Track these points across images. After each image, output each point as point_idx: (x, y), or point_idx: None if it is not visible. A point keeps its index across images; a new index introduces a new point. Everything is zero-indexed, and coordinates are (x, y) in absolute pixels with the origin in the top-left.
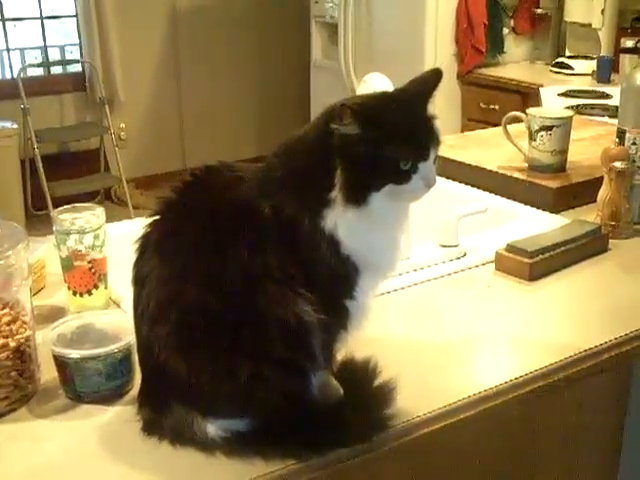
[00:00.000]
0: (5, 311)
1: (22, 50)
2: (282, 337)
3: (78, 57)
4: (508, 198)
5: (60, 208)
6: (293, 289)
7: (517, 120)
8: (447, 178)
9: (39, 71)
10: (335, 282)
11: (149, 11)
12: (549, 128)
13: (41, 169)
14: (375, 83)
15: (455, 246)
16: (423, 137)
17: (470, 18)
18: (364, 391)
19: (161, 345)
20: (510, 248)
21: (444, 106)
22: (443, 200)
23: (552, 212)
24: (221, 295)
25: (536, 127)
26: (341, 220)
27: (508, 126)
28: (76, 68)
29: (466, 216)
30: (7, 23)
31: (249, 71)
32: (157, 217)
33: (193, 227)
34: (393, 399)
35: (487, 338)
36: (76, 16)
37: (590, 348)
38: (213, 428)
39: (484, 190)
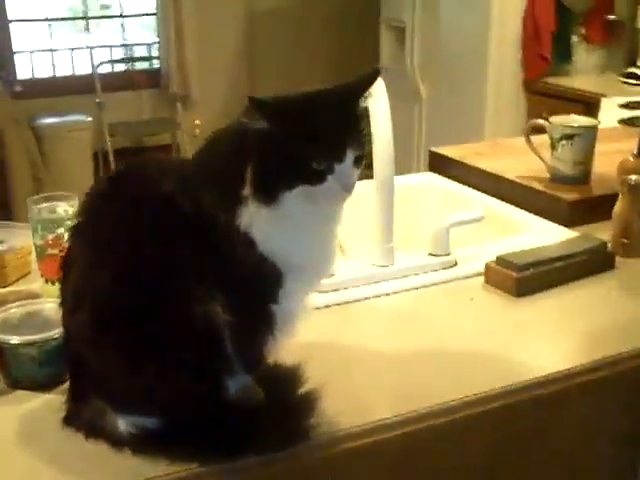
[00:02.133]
0: None
1: (100, 47)
2: (188, 337)
3: (155, 54)
4: (526, 209)
5: (35, 197)
6: (205, 288)
7: (539, 128)
8: (468, 186)
9: (117, 67)
10: (255, 284)
11: (226, 11)
12: (570, 137)
13: (112, 162)
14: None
15: (445, 255)
16: (339, 136)
17: (537, 25)
18: (286, 398)
19: (76, 334)
20: (499, 260)
21: (508, 112)
22: (444, 206)
23: (568, 226)
24: (132, 288)
25: (557, 136)
26: (255, 219)
27: (537, 135)
28: (153, 65)
29: (459, 224)
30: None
31: (321, 72)
32: (88, 204)
33: (116, 218)
34: (315, 409)
35: (454, 353)
36: (155, 14)
37: (558, 371)
38: (123, 423)
39: (503, 200)
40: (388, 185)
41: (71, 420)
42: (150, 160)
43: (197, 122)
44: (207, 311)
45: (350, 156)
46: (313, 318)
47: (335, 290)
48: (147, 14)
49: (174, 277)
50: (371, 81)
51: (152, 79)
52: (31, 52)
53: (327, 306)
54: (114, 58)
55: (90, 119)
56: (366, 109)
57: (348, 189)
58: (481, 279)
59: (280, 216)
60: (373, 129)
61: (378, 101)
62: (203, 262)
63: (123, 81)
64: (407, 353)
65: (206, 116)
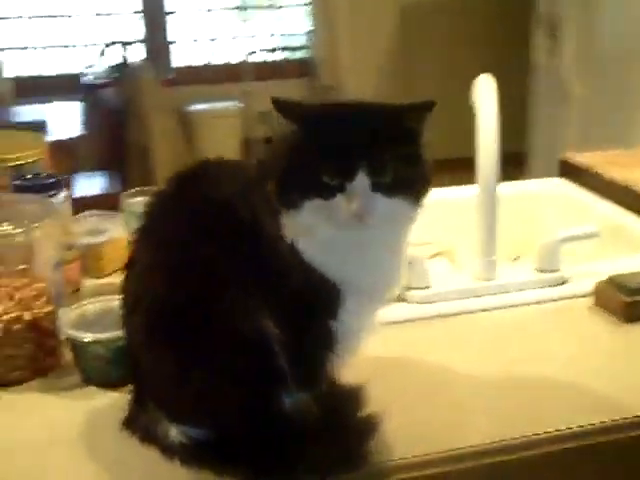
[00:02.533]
0: (29, 284)
1: (254, 36)
2: (238, 349)
3: (304, 44)
4: None
5: (131, 190)
6: (257, 300)
7: None
8: (601, 195)
9: (269, 56)
10: (309, 297)
11: (380, 3)
12: None
13: (259, 148)
14: (481, 87)
15: (553, 271)
16: (351, 154)
17: None
18: (345, 420)
19: (134, 337)
20: (611, 281)
21: None
22: (566, 216)
23: None
24: (185, 294)
25: None
26: (291, 227)
27: None
28: (304, 55)
29: (571, 239)
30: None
31: (473, 67)
32: (154, 204)
33: (176, 220)
34: (373, 434)
35: (548, 382)
36: (308, 4)
37: None
38: (175, 432)
39: (634, 213)
40: (490, 194)
41: (130, 422)
42: (223, 162)
43: None
44: (258, 324)
45: (363, 179)
46: (403, 330)
47: (430, 302)
48: (301, 4)
49: (227, 287)
50: (418, 109)
51: (303, 69)
52: (187, 41)
53: (420, 319)
54: (267, 47)
55: (240, 105)
56: (415, 134)
57: (357, 214)
58: (591, 300)
59: (312, 228)
60: (477, 134)
61: (484, 103)
62: (256, 272)
63: (274, 70)
64: (497, 378)
65: None
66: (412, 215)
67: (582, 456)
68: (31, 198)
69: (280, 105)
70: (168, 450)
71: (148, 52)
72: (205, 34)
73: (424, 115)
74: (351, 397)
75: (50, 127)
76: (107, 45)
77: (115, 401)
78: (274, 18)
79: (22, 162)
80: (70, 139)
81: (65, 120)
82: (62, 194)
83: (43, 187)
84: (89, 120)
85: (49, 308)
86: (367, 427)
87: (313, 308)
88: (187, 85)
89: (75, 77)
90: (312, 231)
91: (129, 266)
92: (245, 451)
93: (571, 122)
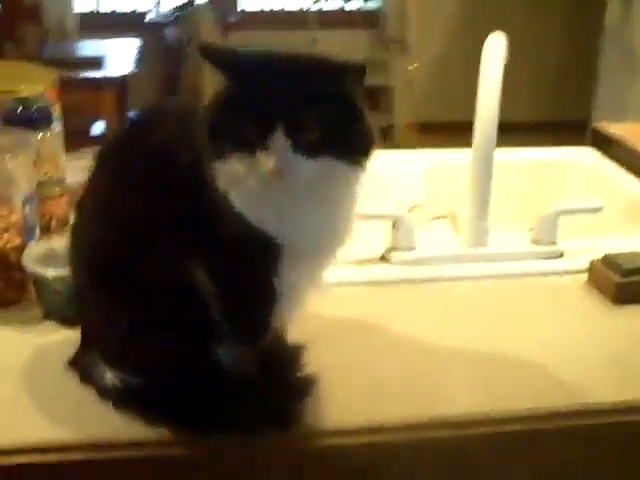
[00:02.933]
0: (5, 216)
1: None
2: (165, 297)
3: None
4: None
5: None
6: (191, 249)
7: None
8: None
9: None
10: (246, 249)
11: None
12: None
13: None
14: (492, 45)
15: (550, 244)
16: (270, 112)
17: None
18: (282, 379)
19: (78, 278)
20: (606, 260)
21: None
22: (586, 189)
23: None
24: (120, 239)
25: None
26: (223, 178)
27: None
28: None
29: (569, 212)
30: None
31: (540, 33)
32: (104, 147)
33: (121, 164)
34: (305, 396)
35: (515, 357)
36: None
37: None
38: (109, 375)
39: None
40: (486, 156)
41: (74, 361)
42: (176, 106)
43: (411, 67)
44: (188, 274)
45: (282, 138)
46: (381, 292)
47: (414, 265)
48: None
49: (160, 234)
50: (348, 70)
51: (370, 19)
52: None
53: (400, 281)
54: None
55: None
56: (348, 94)
57: (275, 173)
58: (584, 277)
59: (242, 180)
60: (479, 93)
61: (490, 64)
62: (192, 221)
63: (339, 19)
64: (467, 350)
65: (421, 62)
66: (350, 176)
67: (545, 439)
68: (6, 130)
69: (208, 52)
70: (103, 392)
71: None
72: None
73: (355, 77)
74: (293, 355)
75: (107, 63)
76: None
77: (69, 338)
78: None
79: (26, 95)
80: (124, 76)
81: (123, 57)
82: (54, 129)
83: (32, 120)
84: (147, 58)
85: (18, 241)
86: (303, 387)
87: (250, 261)
88: (251, 30)
89: (141, 15)
90: (241, 183)
91: (78, 208)
92: (171, 400)
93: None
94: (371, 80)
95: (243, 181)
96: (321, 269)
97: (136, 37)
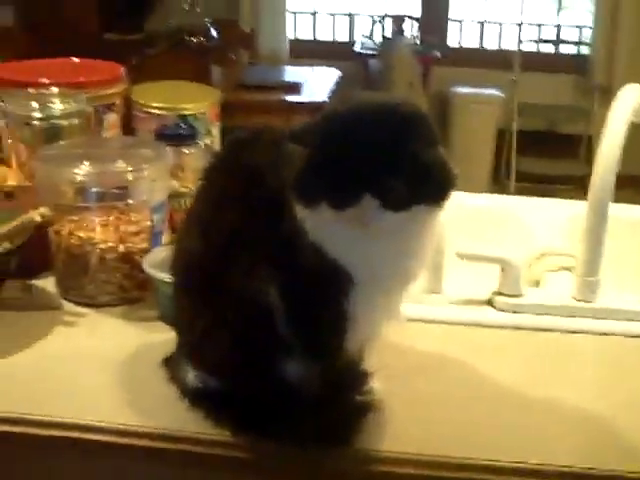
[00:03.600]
0: (137, 222)
1: (530, 24)
2: (239, 310)
3: (577, 39)
4: None
5: None
6: (270, 268)
7: None
8: None
9: (542, 47)
10: (318, 276)
11: None
12: None
13: (513, 141)
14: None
15: None
16: (355, 182)
17: None
18: (337, 399)
19: (174, 282)
20: None
21: None
22: None
23: None
24: (209, 250)
25: None
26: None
27: None
28: (573, 50)
29: None
30: None
31: None
32: (210, 164)
33: (220, 182)
34: (361, 419)
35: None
36: None
37: None
38: (192, 375)
39: None
40: (601, 209)
41: (167, 361)
42: (277, 131)
43: None
44: (262, 291)
45: (371, 200)
46: (479, 334)
47: (518, 311)
48: None
49: (244, 251)
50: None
51: (576, 64)
52: (461, 21)
53: (499, 326)
54: (542, 37)
55: (502, 95)
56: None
57: (363, 226)
58: None
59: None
60: (599, 146)
61: (615, 115)
62: (273, 242)
63: (545, 62)
64: (541, 402)
65: None
66: (429, 217)
67: None
68: (146, 143)
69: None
70: (184, 391)
71: (422, 28)
72: (481, 16)
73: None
74: (359, 380)
75: (305, 89)
76: (382, 18)
77: (173, 339)
78: (554, 7)
79: (189, 112)
80: (319, 102)
81: (322, 84)
82: (197, 147)
83: (178, 137)
84: (347, 87)
85: (144, 245)
86: (359, 411)
87: (322, 288)
88: (453, 67)
89: (350, 44)
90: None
91: (185, 219)
92: (238, 404)
93: None
94: (572, 128)
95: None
96: (394, 301)
97: (343, 65)
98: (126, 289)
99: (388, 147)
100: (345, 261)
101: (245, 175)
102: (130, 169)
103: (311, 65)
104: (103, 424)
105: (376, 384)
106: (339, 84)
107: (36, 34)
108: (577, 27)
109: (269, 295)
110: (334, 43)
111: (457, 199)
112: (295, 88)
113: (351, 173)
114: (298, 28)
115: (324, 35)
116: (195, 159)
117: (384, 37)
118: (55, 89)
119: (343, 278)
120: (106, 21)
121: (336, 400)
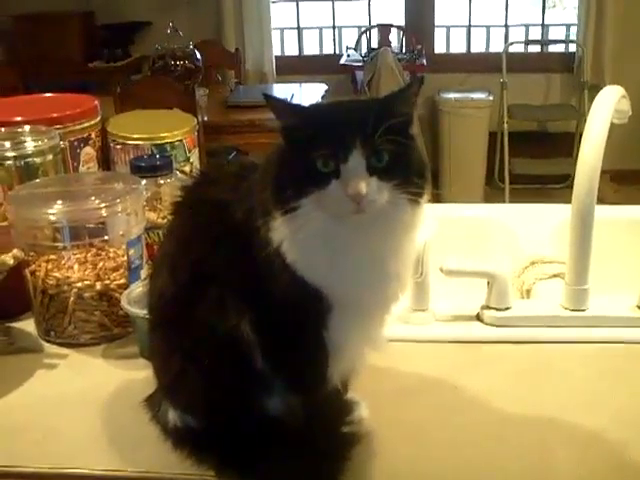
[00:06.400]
0: (114, 257)
1: (515, 26)
2: (211, 346)
3: (564, 37)
4: None
5: None
6: (239, 301)
7: None
8: None
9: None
10: (294, 305)
11: None
12: None
13: (505, 143)
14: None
15: None
16: (344, 136)
17: None
18: (321, 433)
19: (150, 320)
20: None
21: None
22: None
23: None
24: (177, 286)
25: None
26: (280, 230)
27: None
28: (560, 48)
29: None
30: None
31: None
32: (178, 198)
33: (187, 217)
34: (346, 455)
35: (583, 434)
36: None
37: None
38: (172, 415)
39: None
40: (586, 216)
41: (149, 399)
42: (240, 163)
43: None
44: (234, 325)
45: (359, 159)
46: (468, 350)
47: (506, 324)
48: None
49: (211, 285)
50: (407, 89)
51: (564, 63)
52: (448, 27)
53: (489, 341)
54: (529, 38)
55: (491, 98)
56: (405, 122)
57: (353, 196)
58: None
59: (300, 225)
60: (580, 152)
61: (594, 120)
62: (242, 274)
63: (533, 62)
64: (527, 418)
65: None
66: (411, 214)
67: None
68: (119, 176)
69: (270, 102)
70: (165, 431)
71: (406, 37)
72: (464, 21)
73: (413, 96)
74: (342, 411)
75: None
76: (367, 29)
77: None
78: (539, 6)
79: (162, 142)
80: None
81: (309, 99)
82: (173, 176)
83: (153, 168)
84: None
85: (122, 281)
86: (342, 447)
87: (298, 316)
88: (441, 73)
89: (337, 57)
90: (301, 231)
91: (157, 254)
92: (218, 443)
93: None
94: (563, 126)
95: (304, 227)
96: (376, 326)
97: (330, 78)
98: (106, 327)
99: (375, 109)
100: (322, 283)
101: (209, 209)
102: (104, 205)
103: (298, 81)
104: (85, 471)
105: (363, 412)
106: (325, 98)
107: (21, 67)
108: (564, 25)
109: (240, 329)
110: (320, 57)
111: (444, 210)
112: None
113: (340, 130)
114: (284, 44)
115: (310, 49)
116: (172, 188)
117: (370, 47)
118: (27, 127)
119: (320, 304)
120: (91, 50)
121: (321, 434)
